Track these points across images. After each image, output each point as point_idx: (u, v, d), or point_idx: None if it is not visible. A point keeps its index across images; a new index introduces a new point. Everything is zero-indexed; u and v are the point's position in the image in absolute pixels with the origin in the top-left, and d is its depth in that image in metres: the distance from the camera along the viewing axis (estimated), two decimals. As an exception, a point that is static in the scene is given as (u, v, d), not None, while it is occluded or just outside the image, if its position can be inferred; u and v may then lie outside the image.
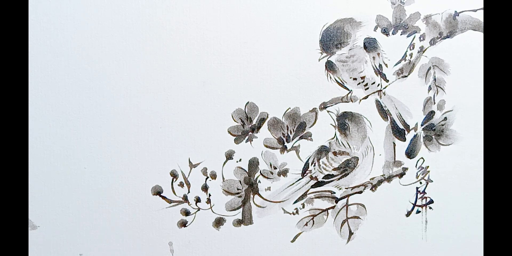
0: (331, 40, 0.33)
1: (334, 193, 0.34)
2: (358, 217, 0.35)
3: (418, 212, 0.35)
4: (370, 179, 0.34)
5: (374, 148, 0.34)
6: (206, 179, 0.33)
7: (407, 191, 0.35)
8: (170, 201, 0.33)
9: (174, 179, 0.33)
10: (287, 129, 0.33)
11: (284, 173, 0.34)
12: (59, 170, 0.33)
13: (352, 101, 0.34)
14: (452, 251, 0.36)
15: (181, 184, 0.33)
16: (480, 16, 0.34)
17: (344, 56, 0.33)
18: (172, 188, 0.33)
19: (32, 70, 0.32)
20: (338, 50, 0.33)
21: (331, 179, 0.34)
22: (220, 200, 0.33)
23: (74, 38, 0.32)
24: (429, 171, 0.35)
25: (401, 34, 0.33)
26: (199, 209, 0.33)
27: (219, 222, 0.33)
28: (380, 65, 0.33)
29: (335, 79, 0.33)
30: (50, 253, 0.33)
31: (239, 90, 0.33)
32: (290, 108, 0.33)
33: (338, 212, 0.35)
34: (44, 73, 0.32)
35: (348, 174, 0.34)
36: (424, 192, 0.35)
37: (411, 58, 0.34)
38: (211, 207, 0.33)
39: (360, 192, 0.34)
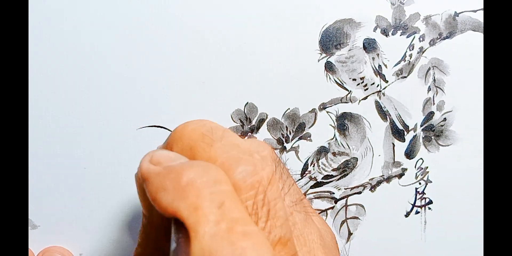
0: (331, 40, 0.33)
1: (333, 193, 0.34)
2: (357, 218, 0.35)
3: (417, 212, 0.35)
4: (369, 180, 0.34)
5: (374, 148, 0.34)
6: (206, 179, 0.33)
7: (406, 191, 0.35)
8: (169, 201, 0.33)
9: (174, 180, 0.33)
10: (287, 130, 0.34)
11: (283, 173, 0.34)
12: (59, 170, 0.33)
13: (351, 101, 0.34)
14: (452, 251, 0.36)
15: (180, 184, 0.33)
16: (480, 16, 0.34)
17: (343, 56, 0.33)
18: (172, 188, 0.33)
19: (32, 70, 0.32)
20: (338, 50, 0.33)
21: (330, 179, 0.34)
22: (219, 200, 0.33)
23: (74, 38, 0.32)
24: (428, 172, 0.35)
25: (400, 35, 0.33)
26: (198, 209, 0.33)
27: (218, 222, 0.33)
28: (379, 66, 0.33)
29: (335, 80, 0.33)
30: (50, 253, 0.33)
31: (238, 91, 0.33)
32: (289, 108, 0.33)
33: (337, 212, 0.35)
34: (44, 73, 0.32)
35: (347, 174, 0.34)
36: (423, 192, 0.35)
37: (410, 58, 0.34)
38: (210, 208, 0.33)
39: (359, 193, 0.35)
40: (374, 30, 0.33)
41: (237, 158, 0.22)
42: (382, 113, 0.34)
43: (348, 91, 0.34)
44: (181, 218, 0.19)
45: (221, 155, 0.22)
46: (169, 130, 0.33)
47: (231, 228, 0.19)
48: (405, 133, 0.34)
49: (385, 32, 0.33)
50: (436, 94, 0.34)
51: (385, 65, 0.34)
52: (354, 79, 0.33)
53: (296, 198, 0.25)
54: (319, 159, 0.34)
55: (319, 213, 0.34)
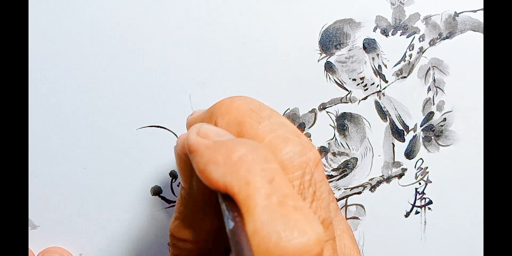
0: (331, 40, 0.33)
1: (333, 193, 0.34)
2: (357, 218, 0.35)
3: (417, 212, 0.35)
4: (369, 180, 0.34)
5: (373, 148, 0.34)
6: (206, 179, 0.33)
7: (406, 191, 0.35)
8: (169, 202, 0.33)
9: (174, 180, 0.33)
10: (286, 130, 0.33)
11: (283, 173, 0.34)
12: (59, 170, 0.33)
13: (351, 102, 0.34)
14: (452, 251, 0.36)
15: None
16: (480, 16, 0.34)
17: (343, 56, 0.33)
18: (172, 188, 0.33)
19: (32, 70, 0.32)
20: (338, 51, 0.33)
21: (330, 179, 0.34)
22: (219, 201, 0.33)
23: (74, 38, 0.32)
24: (428, 172, 0.35)
25: (400, 35, 0.33)
26: (198, 210, 0.33)
27: (218, 223, 0.33)
28: (379, 66, 0.33)
29: (334, 80, 0.33)
30: (50, 253, 0.33)
31: (238, 91, 0.33)
32: (289, 108, 0.33)
33: (337, 212, 0.35)
34: (44, 73, 0.32)
35: (347, 174, 0.34)
36: (423, 193, 0.35)
37: (410, 59, 0.34)
38: (210, 208, 0.33)
39: (359, 193, 0.35)
40: (374, 30, 0.33)
41: (285, 138, 0.22)
42: (382, 113, 0.34)
43: (348, 91, 0.34)
44: (232, 193, 0.19)
45: (269, 133, 0.22)
46: (169, 130, 0.33)
47: (282, 202, 0.19)
48: (405, 133, 0.34)
49: (385, 32, 0.33)
50: (436, 94, 0.34)
51: (385, 65, 0.34)
52: (354, 79, 0.33)
53: (329, 188, 0.25)
54: (319, 159, 0.34)
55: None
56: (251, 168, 0.20)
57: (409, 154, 0.35)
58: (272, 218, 0.19)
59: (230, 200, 0.20)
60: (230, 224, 0.19)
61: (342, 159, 0.34)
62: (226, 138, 0.22)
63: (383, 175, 0.34)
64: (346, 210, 0.35)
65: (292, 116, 0.33)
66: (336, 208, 0.25)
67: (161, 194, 0.33)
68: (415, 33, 0.33)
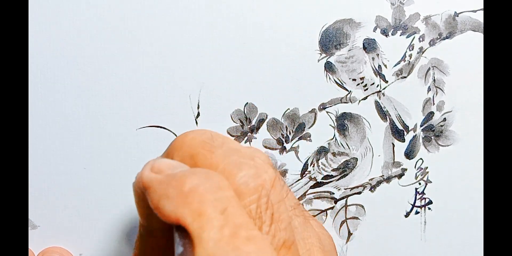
0: (331, 40, 0.33)
1: (333, 193, 0.34)
2: (357, 218, 0.35)
3: (417, 213, 0.35)
4: (369, 180, 0.34)
5: (373, 149, 0.34)
6: (206, 179, 0.33)
7: (406, 192, 0.35)
8: (169, 202, 0.33)
9: (174, 180, 0.33)
10: (286, 130, 0.34)
11: (283, 173, 0.34)
12: (59, 170, 0.33)
13: (351, 102, 0.34)
14: (451, 251, 0.36)
15: (180, 185, 0.33)
16: (480, 16, 0.34)
17: (343, 57, 0.33)
18: (171, 188, 0.33)
19: (32, 70, 0.32)
20: (337, 51, 0.33)
21: (330, 179, 0.34)
22: (219, 201, 0.33)
23: (74, 38, 0.32)
24: (428, 172, 0.35)
25: (400, 35, 0.33)
26: (198, 210, 0.33)
27: (218, 223, 0.33)
28: (379, 66, 0.33)
29: (334, 80, 0.33)
30: (50, 253, 0.33)
31: (238, 91, 0.33)
32: (289, 108, 0.33)
33: (337, 212, 0.35)
34: (44, 73, 0.32)
35: (347, 174, 0.34)
36: (423, 193, 0.35)
37: (410, 59, 0.34)
38: (210, 208, 0.33)
39: (359, 193, 0.35)
40: (374, 30, 0.33)
41: (239, 163, 0.22)
42: (382, 113, 0.34)
43: (348, 91, 0.34)
44: (185, 224, 0.19)
45: (223, 160, 0.22)
46: (169, 130, 0.33)
47: (235, 233, 0.19)
48: (405, 133, 0.34)
49: (385, 32, 0.33)
50: (436, 94, 0.34)
51: (385, 65, 0.34)
52: (354, 79, 0.33)
53: (294, 203, 0.25)
54: (319, 159, 0.34)
55: (319, 213, 0.34)
56: (203, 198, 0.20)
57: (409, 154, 0.35)
58: (224, 252, 0.19)
59: (183, 230, 0.20)
60: (179, 249, 0.19)
61: (342, 159, 0.34)
62: (180, 170, 0.21)
63: (383, 175, 0.34)
64: (346, 210, 0.35)
65: (292, 116, 0.33)
66: (304, 222, 0.25)
67: (161, 194, 0.33)
68: (415, 33, 0.33)
